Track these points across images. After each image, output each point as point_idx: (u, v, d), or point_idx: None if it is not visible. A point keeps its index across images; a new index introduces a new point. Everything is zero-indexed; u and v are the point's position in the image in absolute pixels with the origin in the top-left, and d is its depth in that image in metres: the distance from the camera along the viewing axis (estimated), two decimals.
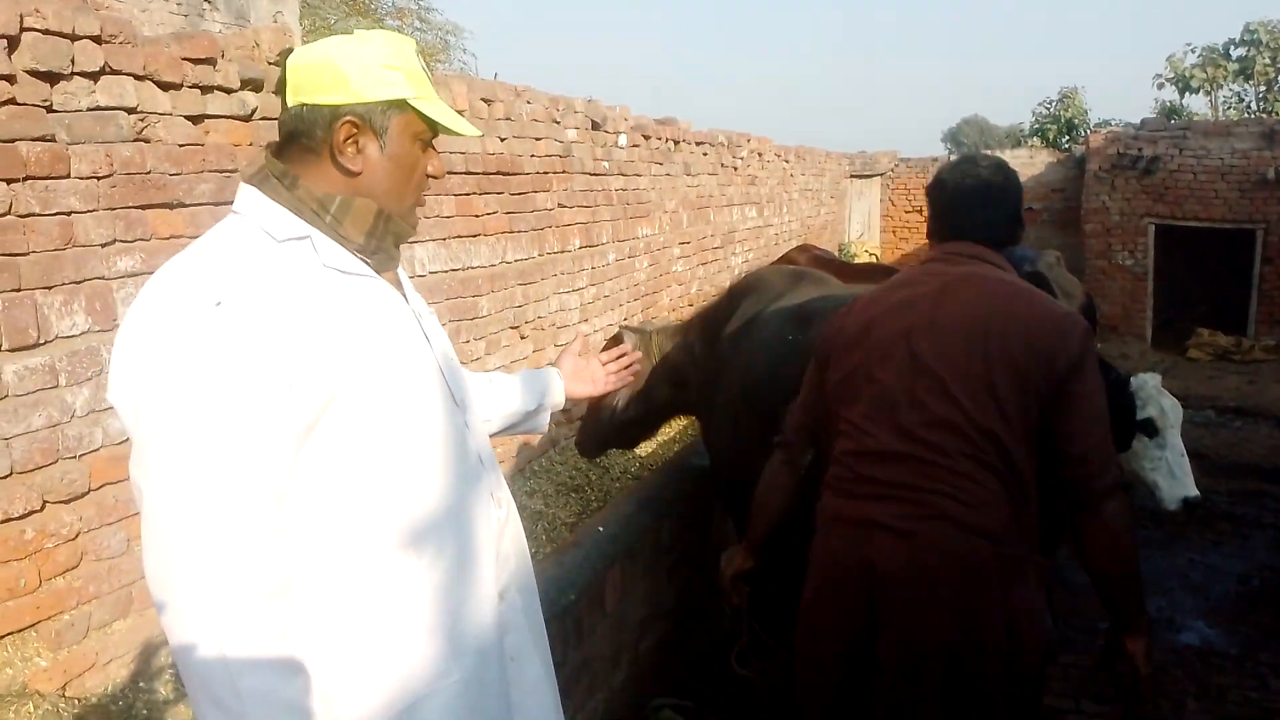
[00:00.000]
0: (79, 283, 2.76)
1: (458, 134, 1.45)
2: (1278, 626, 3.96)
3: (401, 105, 1.39)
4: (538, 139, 5.59)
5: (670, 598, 3.73)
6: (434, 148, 1.46)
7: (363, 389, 1.33)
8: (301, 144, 1.39)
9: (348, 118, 1.37)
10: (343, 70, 1.36)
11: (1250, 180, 10.91)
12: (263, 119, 3.48)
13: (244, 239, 1.34)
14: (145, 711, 2.69)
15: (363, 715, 1.33)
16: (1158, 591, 4.29)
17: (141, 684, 2.81)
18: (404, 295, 1.49)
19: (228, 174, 3.23)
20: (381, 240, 1.43)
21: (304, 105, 1.37)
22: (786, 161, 11.17)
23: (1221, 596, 4.26)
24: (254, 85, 3.44)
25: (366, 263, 1.42)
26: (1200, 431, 7.23)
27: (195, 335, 1.23)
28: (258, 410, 1.23)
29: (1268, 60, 17.74)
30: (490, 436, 1.98)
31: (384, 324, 1.40)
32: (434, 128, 1.43)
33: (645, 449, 6.25)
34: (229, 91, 3.33)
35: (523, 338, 5.44)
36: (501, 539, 1.55)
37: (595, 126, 6.36)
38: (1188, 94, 18.85)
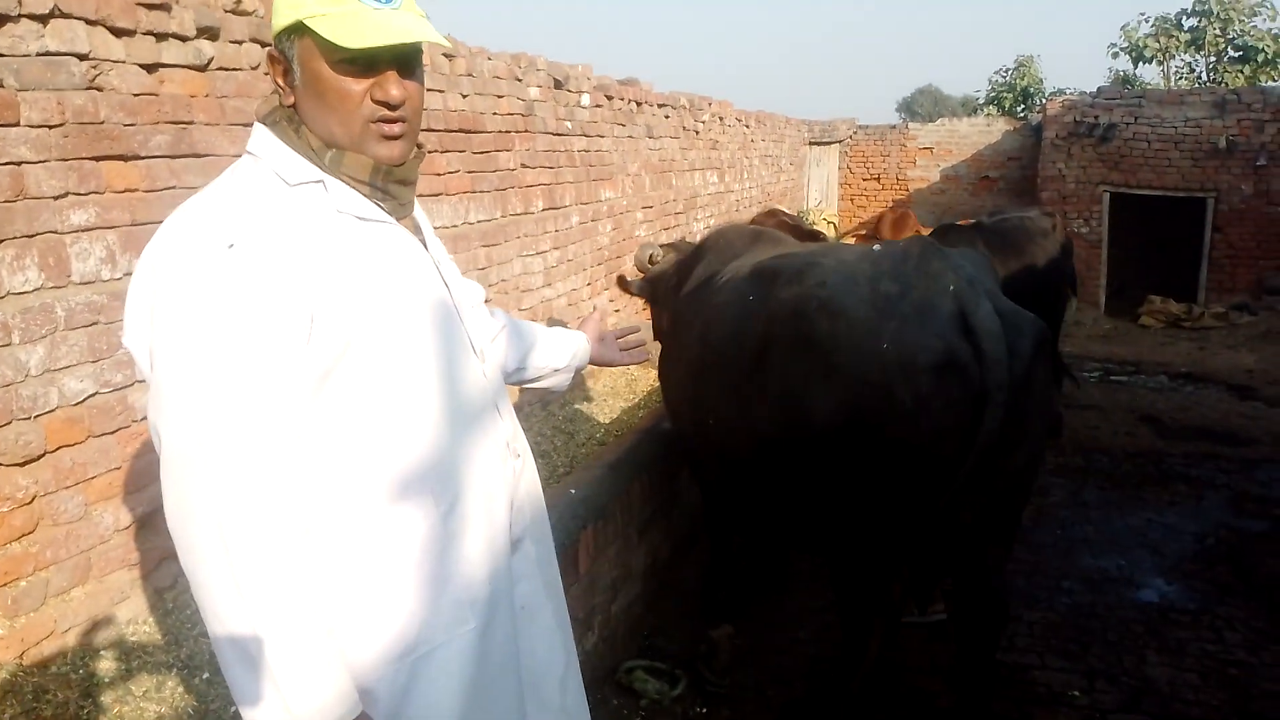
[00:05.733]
0: (31, 236, 2.64)
1: (350, 49, 1.24)
2: (1233, 582, 4.05)
3: (299, 29, 1.26)
4: (499, 96, 5.48)
5: (641, 559, 3.72)
6: (386, 70, 1.29)
7: (379, 335, 1.29)
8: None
9: (269, 50, 1.32)
10: None
11: (1202, 149, 11.09)
12: (219, 69, 3.35)
13: (256, 182, 1.29)
14: (107, 680, 2.62)
15: (376, 661, 1.30)
16: (1117, 551, 4.37)
17: (103, 651, 2.73)
18: (423, 241, 1.45)
19: (183, 126, 3.10)
20: (385, 183, 1.36)
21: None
22: (747, 127, 11.10)
23: (1178, 554, 4.35)
24: (210, 34, 3.31)
25: (381, 207, 1.37)
26: (1153, 396, 7.38)
27: (207, 277, 1.19)
28: (273, 349, 1.20)
29: (1218, 31, 17.95)
30: (515, 384, 1.96)
31: (401, 270, 1.36)
32: (338, 44, 1.24)
33: (609, 416, 6.22)
34: (184, 39, 3.20)
35: (486, 301, 5.35)
36: (517, 489, 1.54)
37: (558, 85, 6.25)
38: (1141, 63, 19.04)
